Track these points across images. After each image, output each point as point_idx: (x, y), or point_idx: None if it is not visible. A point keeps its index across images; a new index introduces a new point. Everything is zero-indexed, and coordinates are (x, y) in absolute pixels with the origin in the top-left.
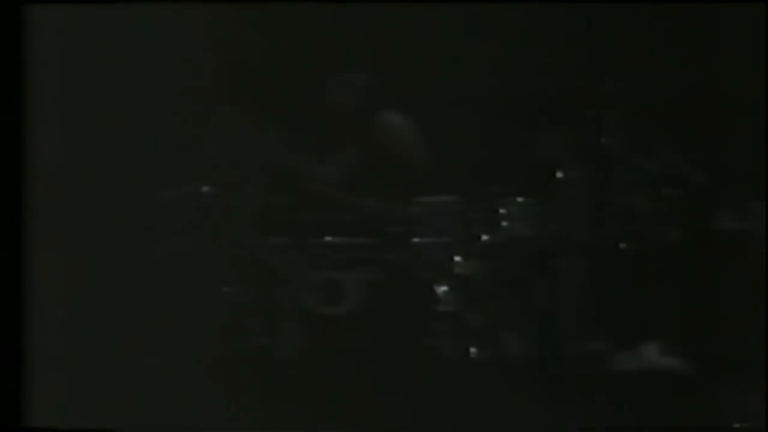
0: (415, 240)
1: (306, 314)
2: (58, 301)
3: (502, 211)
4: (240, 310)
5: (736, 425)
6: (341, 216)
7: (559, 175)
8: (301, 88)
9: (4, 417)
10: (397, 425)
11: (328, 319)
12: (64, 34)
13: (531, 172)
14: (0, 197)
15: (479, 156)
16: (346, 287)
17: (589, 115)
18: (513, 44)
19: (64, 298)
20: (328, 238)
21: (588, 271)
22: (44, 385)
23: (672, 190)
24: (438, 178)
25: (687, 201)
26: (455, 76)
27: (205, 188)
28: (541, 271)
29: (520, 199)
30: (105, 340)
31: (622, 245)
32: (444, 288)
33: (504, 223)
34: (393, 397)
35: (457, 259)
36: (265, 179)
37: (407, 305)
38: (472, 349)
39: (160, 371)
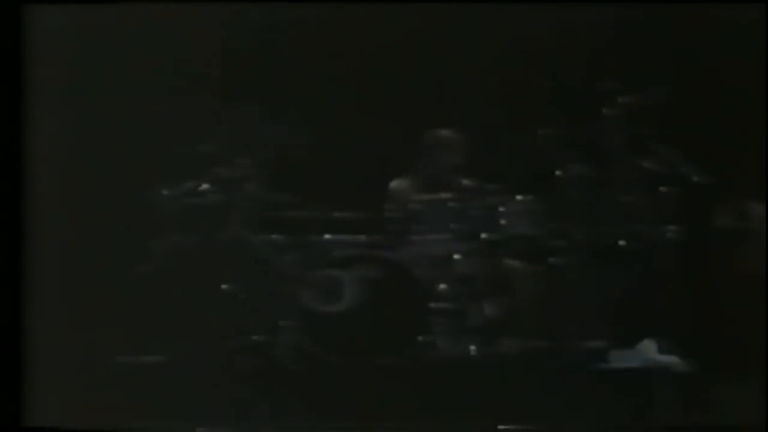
0: (415, 238)
1: (305, 312)
2: (58, 301)
3: (501, 209)
4: (239, 307)
5: (736, 425)
6: (340, 214)
7: (558, 173)
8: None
9: (4, 417)
10: (396, 423)
11: (327, 316)
12: (64, 34)
13: (530, 170)
14: (0, 197)
15: (479, 154)
16: (345, 285)
17: (588, 113)
18: (513, 43)
19: (64, 298)
20: (327, 236)
21: (587, 268)
22: (44, 385)
23: (671, 188)
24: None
25: (686, 199)
26: (455, 75)
27: (205, 186)
28: (541, 269)
29: (519, 197)
30: (105, 339)
31: (622, 243)
32: (443, 286)
33: (503, 221)
34: (392, 394)
35: (457, 257)
36: (264, 177)
37: (407, 303)
38: (472, 347)
39: (159, 370)
